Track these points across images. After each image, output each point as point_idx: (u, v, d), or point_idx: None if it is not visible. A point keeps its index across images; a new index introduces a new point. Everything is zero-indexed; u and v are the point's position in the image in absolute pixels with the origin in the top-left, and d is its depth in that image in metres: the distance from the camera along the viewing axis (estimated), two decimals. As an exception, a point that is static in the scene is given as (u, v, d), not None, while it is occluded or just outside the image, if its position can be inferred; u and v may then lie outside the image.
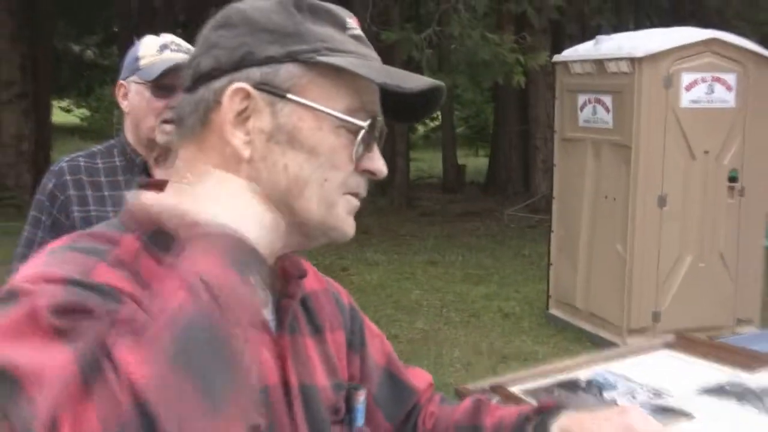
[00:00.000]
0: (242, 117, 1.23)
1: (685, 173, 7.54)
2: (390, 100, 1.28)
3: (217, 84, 1.24)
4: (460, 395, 2.16)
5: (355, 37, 1.30)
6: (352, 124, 1.25)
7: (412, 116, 1.38)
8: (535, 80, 15.51)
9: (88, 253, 1.17)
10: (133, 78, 2.93)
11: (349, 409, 1.46)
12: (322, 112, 1.23)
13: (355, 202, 1.30)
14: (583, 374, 2.14)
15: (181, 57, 2.90)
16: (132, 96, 2.94)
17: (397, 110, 1.32)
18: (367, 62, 1.26)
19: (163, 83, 2.87)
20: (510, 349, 7.81)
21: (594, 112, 8.09)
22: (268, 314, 1.33)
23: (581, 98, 8.20)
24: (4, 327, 1.05)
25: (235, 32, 1.26)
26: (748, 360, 2.02)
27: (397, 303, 9.44)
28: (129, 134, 3.00)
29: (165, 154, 3.02)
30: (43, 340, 1.03)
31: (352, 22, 1.31)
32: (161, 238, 1.21)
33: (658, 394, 1.92)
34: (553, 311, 8.69)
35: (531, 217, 14.83)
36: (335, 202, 1.27)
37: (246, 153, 1.23)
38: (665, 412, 1.78)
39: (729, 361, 2.06)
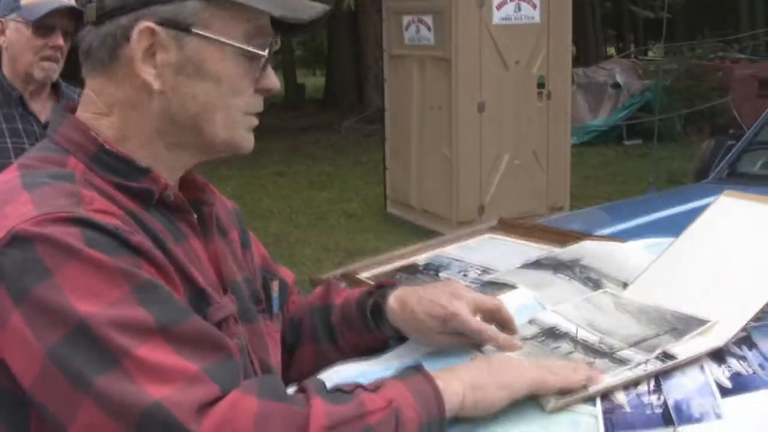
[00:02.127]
0: (150, 52, 1.21)
1: (499, 82, 7.72)
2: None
3: (124, 20, 1.21)
4: (315, 284, 2.19)
5: None
6: (253, 53, 1.25)
7: (297, 31, 1.37)
8: (363, 4, 15.43)
9: (60, 179, 1.16)
10: (13, 16, 2.83)
11: (267, 297, 1.48)
12: (225, 43, 1.23)
13: (254, 121, 1.31)
14: (420, 259, 2.20)
15: None
16: (11, 33, 2.85)
17: (283, 26, 1.30)
18: None
19: (44, 23, 2.78)
20: (354, 246, 7.90)
21: (417, 31, 8.15)
22: (195, 222, 1.33)
23: (405, 19, 8.26)
24: (72, 281, 1.05)
25: None
26: (559, 237, 2.12)
27: (251, 212, 9.40)
28: (6, 69, 2.92)
29: (41, 88, 2.93)
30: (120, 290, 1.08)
31: None
32: (102, 159, 1.22)
33: (486, 270, 1.99)
34: (391, 210, 8.82)
35: (366, 127, 14.88)
36: (238, 123, 1.28)
37: (156, 85, 1.22)
38: (493, 285, 1.86)
39: (544, 239, 2.15)
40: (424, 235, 8.04)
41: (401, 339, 1.59)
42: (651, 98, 12.18)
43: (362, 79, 17.97)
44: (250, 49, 1.25)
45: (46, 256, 1.05)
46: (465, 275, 2.00)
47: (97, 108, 1.26)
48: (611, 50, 30.01)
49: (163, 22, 1.21)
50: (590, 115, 12.94)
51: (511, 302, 1.68)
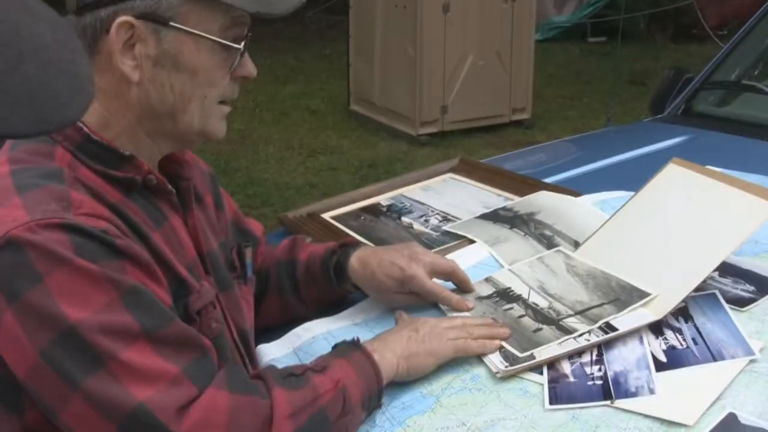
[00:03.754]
0: (129, 44, 1.26)
1: (465, -18, 7.66)
2: None
3: (103, 13, 1.26)
4: (281, 221, 2.27)
5: None
6: (229, 45, 1.31)
7: (275, 20, 1.43)
8: None
9: (50, 179, 1.21)
10: None
11: (242, 264, 1.57)
12: (201, 36, 1.28)
13: (227, 109, 1.38)
14: (383, 199, 2.29)
15: None
16: None
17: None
18: None
19: None
20: (317, 144, 7.92)
21: (384, -74, 8.01)
22: (175, 201, 1.40)
23: None
24: (61, 287, 1.12)
25: None
26: (517, 184, 2.21)
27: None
28: None
29: None
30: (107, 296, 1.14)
31: None
32: (88, 148, 1.28)
33: (446, 217, 2.09)
34: (354, 107, 8.80)
35: (330, 18, 14.67)
36: (211, 113, 1.35)
37: (135, 77, 1.28)
38: (452, 235, 1.96)
39: (502, 185, 2.24)
40: (386, 133, 8.09)
41: (363, 293, 1.70)
42: (617, -5, 12.13)
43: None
44: (226, 42, 1.31)
45: (37, 262, 1.12)
46: (426, 221, 2.09)
47: None
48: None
49: (142, 16, 1.26)
50: (555, 11, 12.86)
51: (469, 258, 1.80)
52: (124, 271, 1.18)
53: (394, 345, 1.41)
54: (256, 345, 1.62)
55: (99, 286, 1.15)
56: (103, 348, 1.13)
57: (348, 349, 1.40)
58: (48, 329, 1.12)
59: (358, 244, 1.71)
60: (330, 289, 1.69)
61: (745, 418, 1.23)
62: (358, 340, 1.42)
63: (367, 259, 1.64)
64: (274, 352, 1.62)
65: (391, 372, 1.39)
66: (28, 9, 0.64)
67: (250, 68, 1.37)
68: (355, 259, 1.65)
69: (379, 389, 1.36)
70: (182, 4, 1.27)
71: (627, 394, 1.32)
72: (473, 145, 7.68)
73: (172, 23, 1.27)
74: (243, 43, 1.33)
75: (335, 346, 1.43)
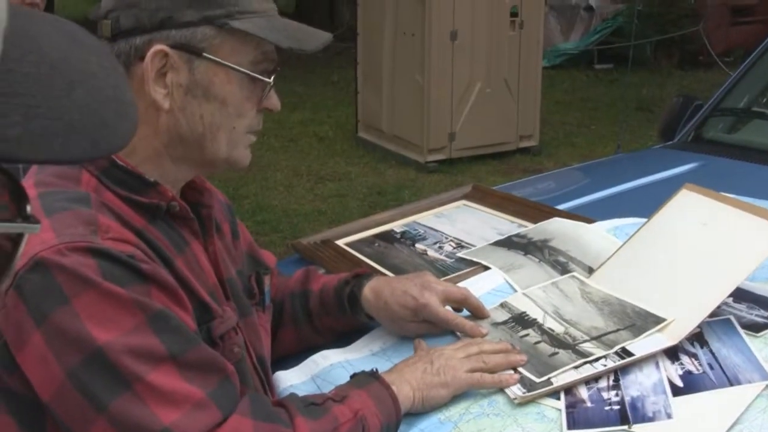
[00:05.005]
0: (161, 73, 1.29)
1: (473, 10, 7.73)
2: None
3: (138, 41, 1.29)
4: (295, 248, 2.30)
5: None
6: (259, 79, 1.35)
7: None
8: None
9: (77, 203, 1.24)
10: None
11: (261, 291, 1.60)
12: (232, 68, 1.32)
13: (253, 139, 1.41)
14: (396, 226, 2.31)
15: None
16: None
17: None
18: (271, 24, 1.34)
19: None
20: (326, 171, 7.96)
21: (392, -46, 8.07)
22: (197, 229, 1.42)
23: (380, -58, 8.17)
24: (89, 309, 1.14)
25: None
26: (530, 211, 2.23)
27: (222, 133, 9.34)
28: None
29: None
30: (134, 319, 1.16)
31: None
32: (113, 173, 1.30)
33: (459, 244, 2.11)
34: (362, 134, 8.85)
35: (337, 45, 14.75)
36: (239, 142, 1.38)
37: (166, 105, 1.31)
38: (467, 261, 1.98)
39: (515, 212, 2.26)
40: (395, 160, 8.13)
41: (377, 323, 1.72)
42: (623, 23, 12.21)
43: (334, -6, 17.74)
44: (257, 75, 1.34)
45: (65, 285, 1.14)
46: (440, 247, 2.11)
47: None
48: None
49: (177, 46, 1.29)
50: (562, 38, 12.93)
51: (484, 285, 1.81)
52: (150, 295, 1.20)
53: (409, 377, 1.43)
54: (273, 372, 1.63)
55: (126, 309, 1.17)
56: (130, 370, 1.15)
57: (366, 379, 1.42)
58: (75, 351, 1.14)
59: (371, 274, 1.73)
60: (344, 319, 1.71)
61: (763, 442, 1.24)
62: (376, 371, 1.44)
63: (380, 289, 1.66)
64: (292, 379, 1.63)
65: (407, 404, 1.41)
66: (75, 39, 0.66)
67: (275, 101, 1.40)
68: (368, 290, 1.67)
69: (397, 420, 1.38)
70: (216, 36, 1.30)
71: (644, 418, 1.33)
72: (481, 172, 7.72)
73: (205, 54, 1.30)
74: (272, 77, 1.36)
75: (353, 376, 1.45)
